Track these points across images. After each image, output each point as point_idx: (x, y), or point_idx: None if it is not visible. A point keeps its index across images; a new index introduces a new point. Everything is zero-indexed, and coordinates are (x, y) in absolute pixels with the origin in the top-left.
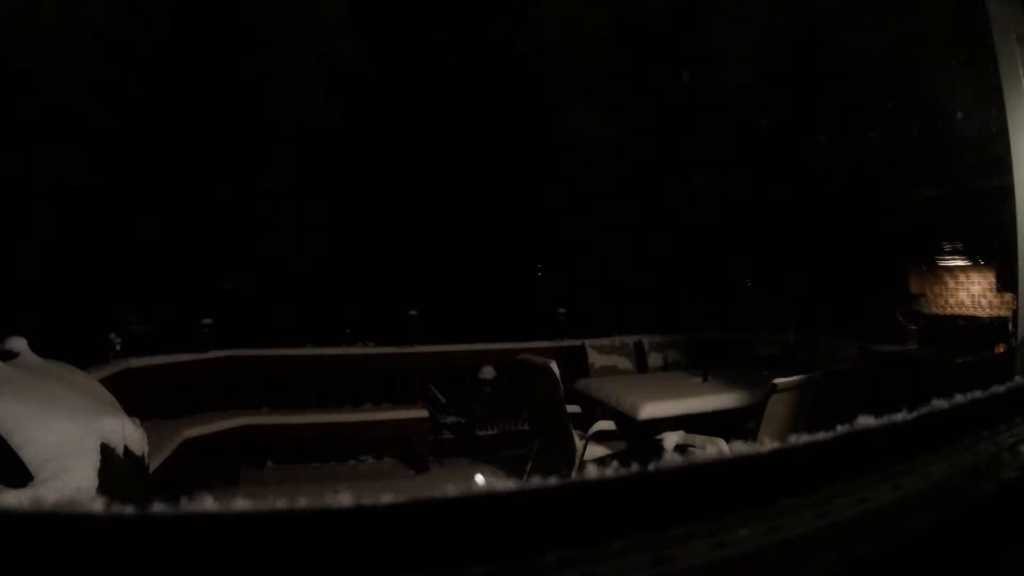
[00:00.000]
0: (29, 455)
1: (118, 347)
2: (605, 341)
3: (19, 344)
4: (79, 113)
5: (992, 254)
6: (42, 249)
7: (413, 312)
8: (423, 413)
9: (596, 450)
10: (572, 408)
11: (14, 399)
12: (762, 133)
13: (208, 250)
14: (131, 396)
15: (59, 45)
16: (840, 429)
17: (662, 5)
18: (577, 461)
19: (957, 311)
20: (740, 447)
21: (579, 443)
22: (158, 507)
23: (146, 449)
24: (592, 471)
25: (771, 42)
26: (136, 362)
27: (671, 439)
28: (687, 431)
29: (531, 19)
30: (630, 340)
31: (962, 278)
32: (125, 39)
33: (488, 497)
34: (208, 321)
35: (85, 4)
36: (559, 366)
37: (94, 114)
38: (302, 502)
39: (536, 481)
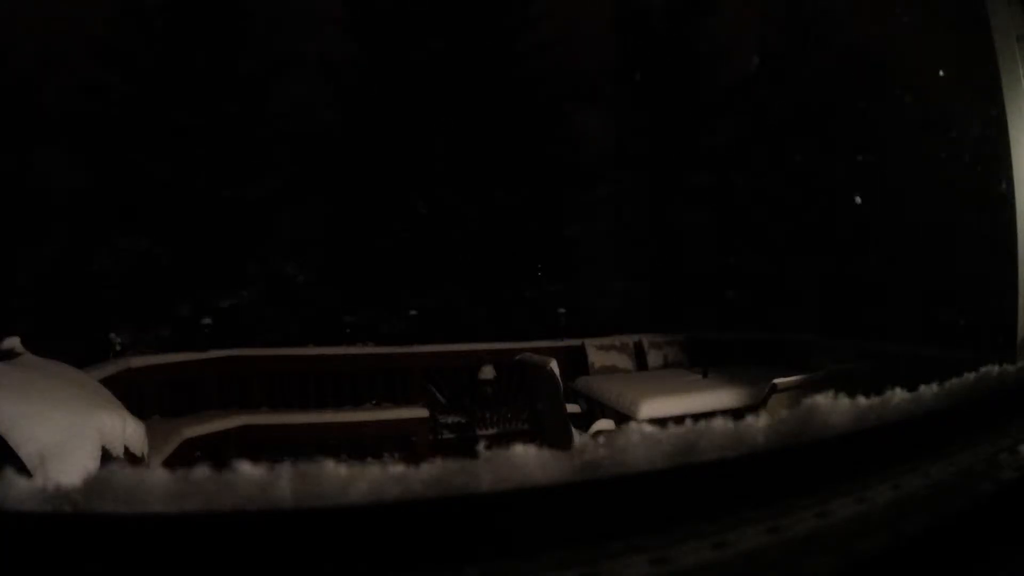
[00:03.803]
0: (27, 453)
1: (118, 347)
2: (605, 340)
3: (17, 344)
4: (78, 115)
5: None
6: (41, 253)
7: (413, 312)
8: (423, 413)
9: None
10: (572, 407)
11: (13, 397)
12: (764, 130)
13: (208, 256)
14: (131, 396)
15: (57, 46)
16: (840, 429)
17: (662, 4)
18: None
19: None
20: (742, 426)
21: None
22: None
23: (146, 449)
24: (591, 471)
25: (772, 40)
26: (136, 362)
27: None
28: None
29: (530, 18)
30: (630, 339)
31: None
32: (123, 39)
33: (488, 496)
34: (208, 321)
35: (84, 5)
36: (559, 366)
37: (92, 116)
38: (301, 499)
39: (536, 481)
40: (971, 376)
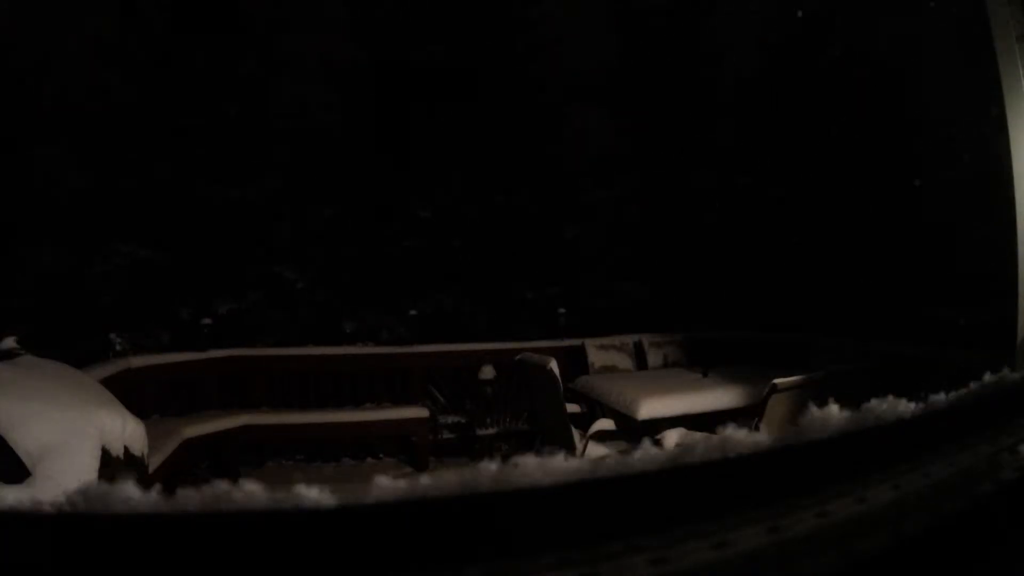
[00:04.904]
0: (26, 452)
1: (118, 347)
2: (605, 340)
3: (12, 343)
4: (78, 116)
5: None
6: (41, 255)
7: (413, 312)
8: (423, 413)
9: (596, 450)
10: (572, 407)
11: (12, 397)
12: (765, 130)
13: (208, 259)
14: (131, 396)
15: (57, 47)
16: (840, 429)
17: (663, 3)
18: None
19: None
20: (739, 437)
21: (579, 442)
22: (157, 505)
23: (146, 448)
24: (591, 472)
25: (774, 40)
26: (136, 361)
27: (671, 438)
28: (687, 428)
29: (530, 19)
30: (630, 339)
31: None
32: (123, 39)
33: (487, 497)
34: (208, 321)
35: (83, 5)
36: (559, 365)
37: (92, 117)
38: (300, 501)
39: (537, 481)
40: (974, 384)
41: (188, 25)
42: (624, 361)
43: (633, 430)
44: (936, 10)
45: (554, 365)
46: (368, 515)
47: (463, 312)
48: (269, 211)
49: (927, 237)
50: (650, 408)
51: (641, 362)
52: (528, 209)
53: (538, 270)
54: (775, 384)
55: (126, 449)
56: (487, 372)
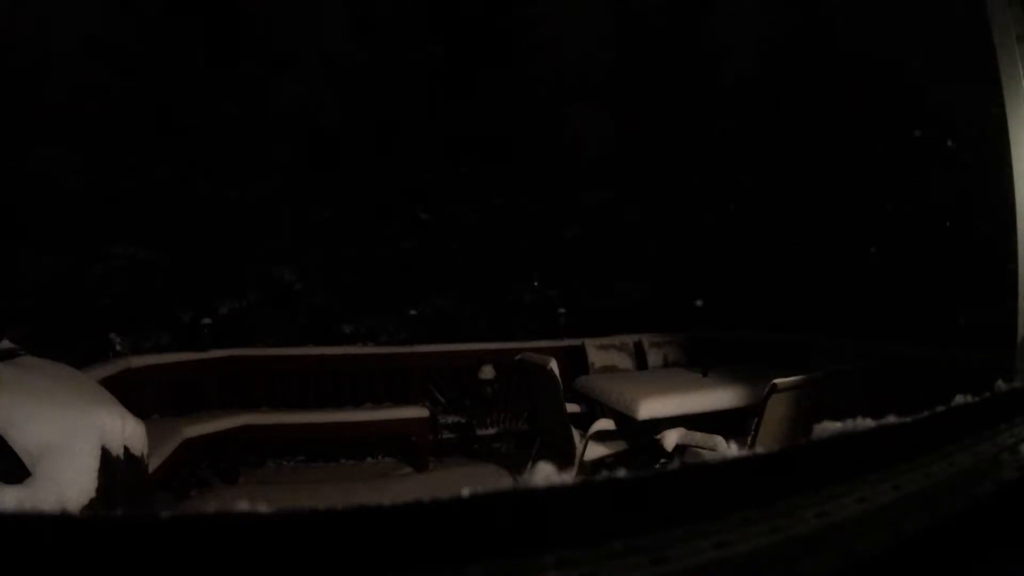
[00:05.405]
0: (26, 452)
1: (118, 347)
2: (605, 340)
3: (8, 344)
4: (77, 116)
5: None
6: (40, 256)
7: (413, 312)
8: (423, 413)
9: (596, 449)
10: (572, 407)
11: (12, 397)
12: (767, 129)
13: (207, 260)
14: (131, 396)
15: (56, 47)
16: (840, 430)
17: (662, 3)
18: (577, 460)
19: None
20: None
21: (579, 442)
22: (158, 509)
23: (146, 449)
24: (594, 472)
25: (775, 39)
26: (136, 361)
27: (671, 437)
28: (687, 428)
29: (529, 19)
30: (630, 339)
31: None
32: (122, 39)
33: (489, 497)
34: (208, 321)
35: (82, 5)
36: (559, 365)
37: (92, 117)
38: (303, 503)
39: (537, 481)
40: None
41: (188, 24)
42: (624, 361)
43: (633, 430)
44: (935, 9)
45: (554, 365)
46: (370, 515)
47: (463, 312)
48: (269, 211)
49: (927, 237)
50: (650, 408)
51: (641, 362)
52: (528, 210)
53: (538, 270)
54: (775, 384)
55: (126, 449)
56: (487, 372)
